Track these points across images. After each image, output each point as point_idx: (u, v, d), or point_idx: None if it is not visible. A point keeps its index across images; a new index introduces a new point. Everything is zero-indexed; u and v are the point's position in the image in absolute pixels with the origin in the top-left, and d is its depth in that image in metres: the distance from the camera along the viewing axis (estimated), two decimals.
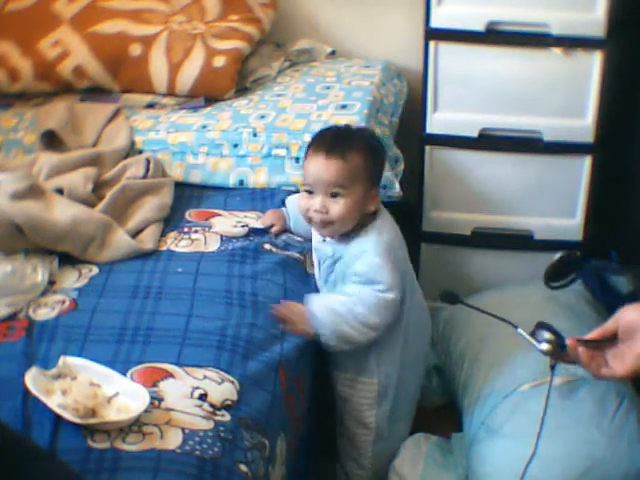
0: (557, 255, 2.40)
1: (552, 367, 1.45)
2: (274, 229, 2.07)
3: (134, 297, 1.80)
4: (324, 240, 1.95)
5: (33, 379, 1.48)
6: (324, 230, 1.91)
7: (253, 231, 2.04)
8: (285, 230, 2.09)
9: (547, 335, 1.42)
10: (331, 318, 1.85)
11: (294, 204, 2.09)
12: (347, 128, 2.00)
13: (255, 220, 2.09)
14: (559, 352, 1.41)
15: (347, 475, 2.11)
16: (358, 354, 1.97)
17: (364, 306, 1.85)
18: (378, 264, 1.86)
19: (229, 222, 2.08)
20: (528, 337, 1.44)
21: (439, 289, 2.50)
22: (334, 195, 1.86)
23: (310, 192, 1.88)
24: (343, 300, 1.87)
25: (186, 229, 2.05)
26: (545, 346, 1.41)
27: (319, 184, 1.86)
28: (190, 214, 2.12)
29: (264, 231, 2.05)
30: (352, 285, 1.88)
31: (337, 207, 1.85)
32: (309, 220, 1.91)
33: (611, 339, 1.39)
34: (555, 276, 2.34)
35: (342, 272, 1.91)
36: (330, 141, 1.89)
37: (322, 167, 1.86)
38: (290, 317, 1.84)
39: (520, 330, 1.45)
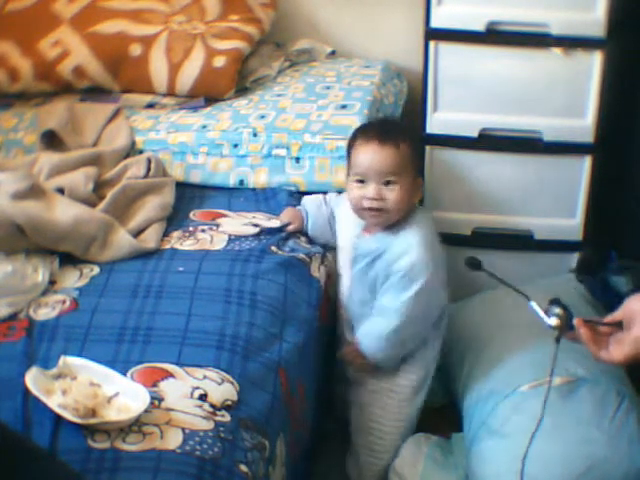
0: (580, 253, 2.42)
1: (557, 340, 1.46)
2: (291, 227, 2.07)
3: (134, 297, 1.80)
4: (362, 235, 1.97)
5: (33, 379, 1.48)
6: (378, 219, 1.94)
7: (268, 231, 2.04)
8: (301, 230, 2.09)
9: (557, 310, 1.43)
10: (386, 348, 1.94)
11: (313, 205, 2.10)
12: (391, 120, 2.09)
13: (266, 221, 2.08)
14: (567, 329, 1.42)
15: (360, 469, 2.10)
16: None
17: (405, 319, 1.90)
18: (423, 260, 1.90)
19: (238, 222, 2.08)
20: (539, 311, 1.45)
21: None
22: (387, 183, 1.90)
23: (361, 181, 1.91)
24: (386, 325, 1.93)
25: (191, 228, 2.05)
26: (554, 321, 1.43)
27: (373, 172, 1.90)
28: (195, 214, 2.12)
29: (279, 230, 2.05)
30: (390, 295, 1.92)
31: (393, 194, 1.90)
32: (361, 210, 1.94)
33: (618, 324, 1.40)
34: (585, 272, 2.37)
35: (384, 269, 1.93)
36: (381, 130, 1.95)
37: (376, 155, 1.90)
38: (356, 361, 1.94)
39: (533, 304, 1.46)
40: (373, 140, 1.91)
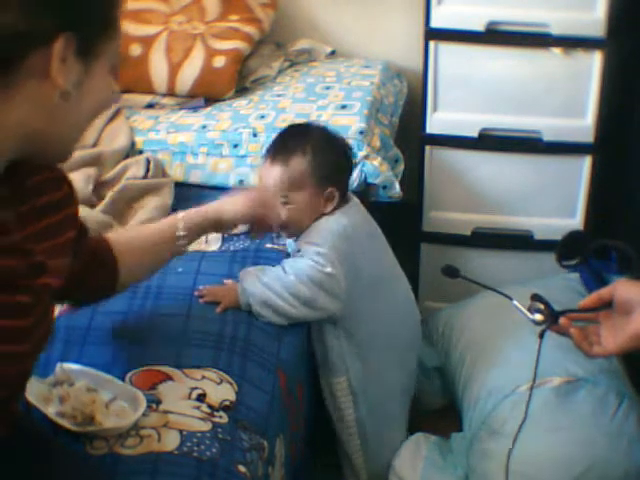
0: (563, 235, 2.41)
1: (541, 335, 1.47)
2: None
3: (133, 297, 1.80)
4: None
5: (30, 388, 1.47)
6: (283, 233, 1.93)
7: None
8: None
9: (539, 306, 1.45)
10: (259, 287, 1.79)
11: None
12: (298, 128, 1.98)
13: None
14: (551, 323, 1.44)
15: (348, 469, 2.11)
16: (325, 354, 1.96)
17: (296, 276, 1.80)
18: (316, 243, 1.84)
19: None
20: (522, 309, 1.47)
21: (439, 289, 2.54)
22: (283, 203, 1.86)
23: None
24: (274, 269, 1.84)
25: None
26: (538, 316, 1.45)
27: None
28: None
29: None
30: (291, 259, 1.86)
31: (286, 213, 1.86)
32: None
33: (604, 307, 1.40)
34: (565, 255, 2.36)
35: None
36: (276, 145, 1.90)
37: (266, 174, 1.87)
38: (218, 294, 1.80)
39: (515, 302, 1.48)
40: (266, 158, 1.88)
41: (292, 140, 1.90)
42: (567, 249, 2.40)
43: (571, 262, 2.39)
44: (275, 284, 1.79)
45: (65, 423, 1.42)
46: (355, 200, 1.98)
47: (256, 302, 1.79)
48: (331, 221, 1.89)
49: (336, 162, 1.91)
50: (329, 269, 1.82)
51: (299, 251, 1.86)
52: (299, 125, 2.06)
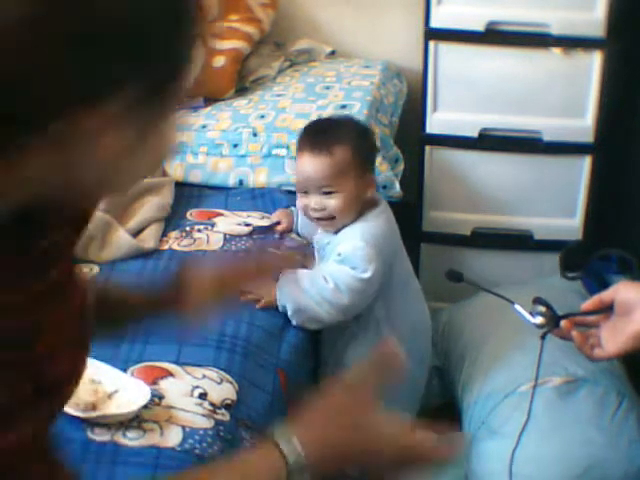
0: (565, 248, 2.41)
1: (542, 337, 1.47)
2: (280, 227, 2.06)
3: None
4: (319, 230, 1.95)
5: None
6: (327, 226, 1.90)
7: (257, 229, 2.04)
8: (291, 230, 2.08)
9: (541, 309, 1.44)
10: (297, 292, 1.80)
11: None
12: (330, 120, 2.00)
13: (259, 219, 2.09)
14: (553, 327, 1.44)
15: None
16: (337, 348, 1.97)
17: (336, 285, 1.80)
18: (360, 247, 1.83)
19: (233, 221, 2.08)
20: (524, 312, 1.46)
21: (439, 289, 2.54)
22: (327, 192, 1.84)
23: (304, 191, 1.87)
24: (313, 275, 1.84)
25: (188, 228, 2.05)
26: (539, 319, 1.44)
27: (310, 184, 1.85)
28: (192, 214, 2.12)
29: (268, 229, 2.05)
30: (330, 263, 1.85)
31: (333, 202, 1.84)
32: (310, 218, 1.90)
33: (607, 310, 1.40)
34: (569, 266, 2.36)
35: (327, 256, 1.90)
36: (314, 138, 1.87)
37: (310, 167, 1.84)
38: (259, 292, 1.81)
39: (517, 306, 1.48)
40: (306, 150, 1.85)
41: (330, 130, 1.89)
42: (569, 261, 2.40)
43: (574, 274, 2.38)
44: (314, 292, 1.80)
45: (68, 409, 1.41)
46: (384, 202, 1.97)
47: (292, 307, 1.81)
48: (370, 223, 1.88)
49: (370, 148, 1.94)
50: (368, 274, 1.81)
51: (339, 254, 1.84)
52: (328, 118, 2.07)
